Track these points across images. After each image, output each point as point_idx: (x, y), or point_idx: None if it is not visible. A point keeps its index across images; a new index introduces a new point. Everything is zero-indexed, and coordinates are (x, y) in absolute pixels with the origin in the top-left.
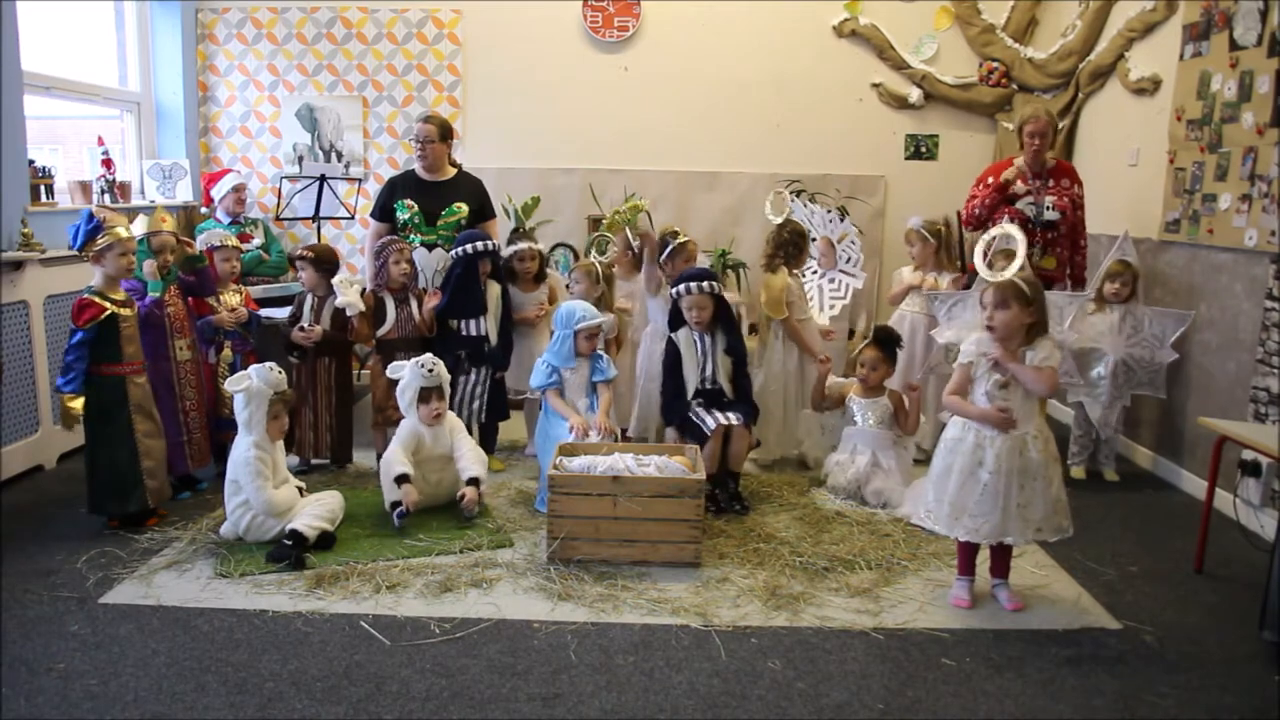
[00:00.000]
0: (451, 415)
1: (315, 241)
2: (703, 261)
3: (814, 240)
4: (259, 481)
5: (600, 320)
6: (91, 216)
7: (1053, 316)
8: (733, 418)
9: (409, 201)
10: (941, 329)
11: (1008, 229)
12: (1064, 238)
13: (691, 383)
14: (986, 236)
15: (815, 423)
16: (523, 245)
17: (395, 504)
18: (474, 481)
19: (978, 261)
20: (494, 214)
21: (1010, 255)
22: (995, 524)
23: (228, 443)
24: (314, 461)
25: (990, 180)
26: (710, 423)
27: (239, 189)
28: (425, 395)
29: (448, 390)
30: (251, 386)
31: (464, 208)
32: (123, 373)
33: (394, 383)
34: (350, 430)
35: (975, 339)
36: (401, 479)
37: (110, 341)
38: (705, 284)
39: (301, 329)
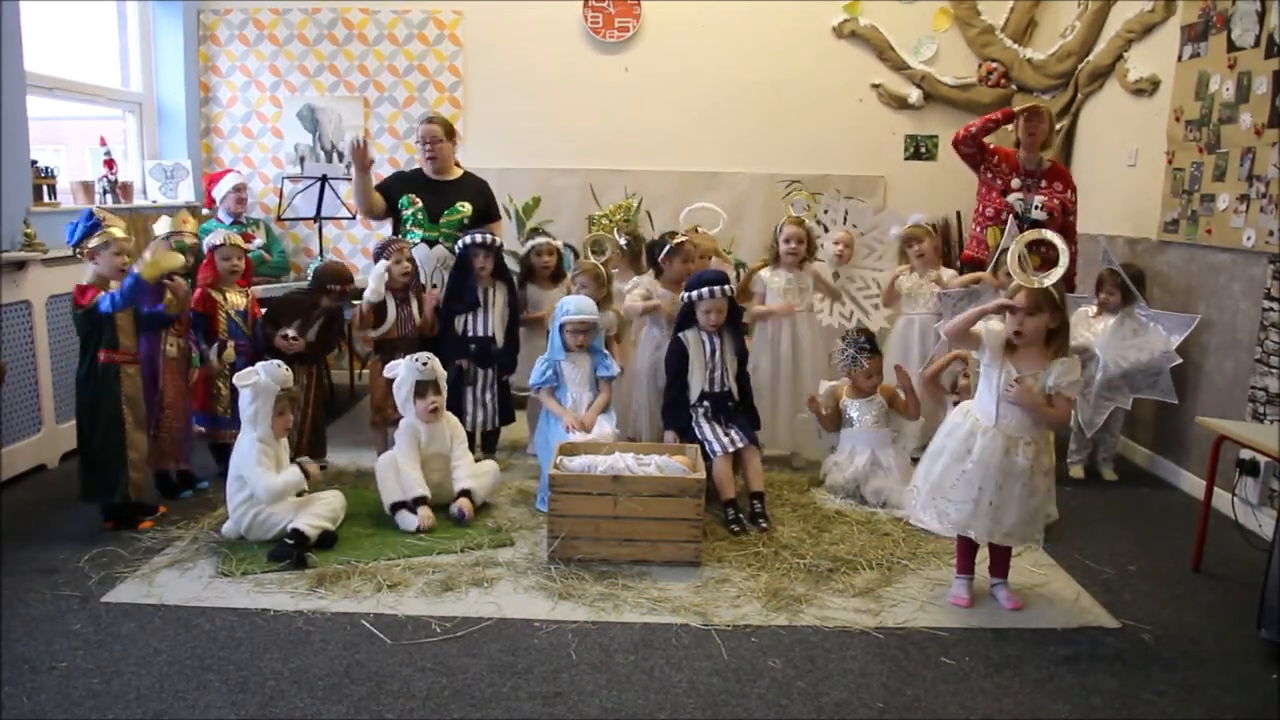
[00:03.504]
0: (452, 419)
1: (316, 243)
2: (714, 261)
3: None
4: (260, 469)
5: (582, 317)
6: (91, 215)
7: None
8: (737, 438)
9: (413, 196)
10: (945, 321)
11: (1048, 236)
12: None
13: (697, 384)
14: (1018, 240)
15: (812, 426)
16: (540, 240)
17: (394, 505)
18: (466, 493)
19: (1012, 265)
20: (499, 215)
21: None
22: (964, 515)
23: (219, 442)
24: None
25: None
26: (716, 446)
27: (239, 189)
28: (421, 390)
29: (444, 386)
30: (259, 382)
31: (467, 207)
32: (117, 361)
33: (392, 382)
34: (323, 430)
35: (989, 331)
36: (420, 501)
37: (109, 329)
38: (721, 287)
39: (285, 336)
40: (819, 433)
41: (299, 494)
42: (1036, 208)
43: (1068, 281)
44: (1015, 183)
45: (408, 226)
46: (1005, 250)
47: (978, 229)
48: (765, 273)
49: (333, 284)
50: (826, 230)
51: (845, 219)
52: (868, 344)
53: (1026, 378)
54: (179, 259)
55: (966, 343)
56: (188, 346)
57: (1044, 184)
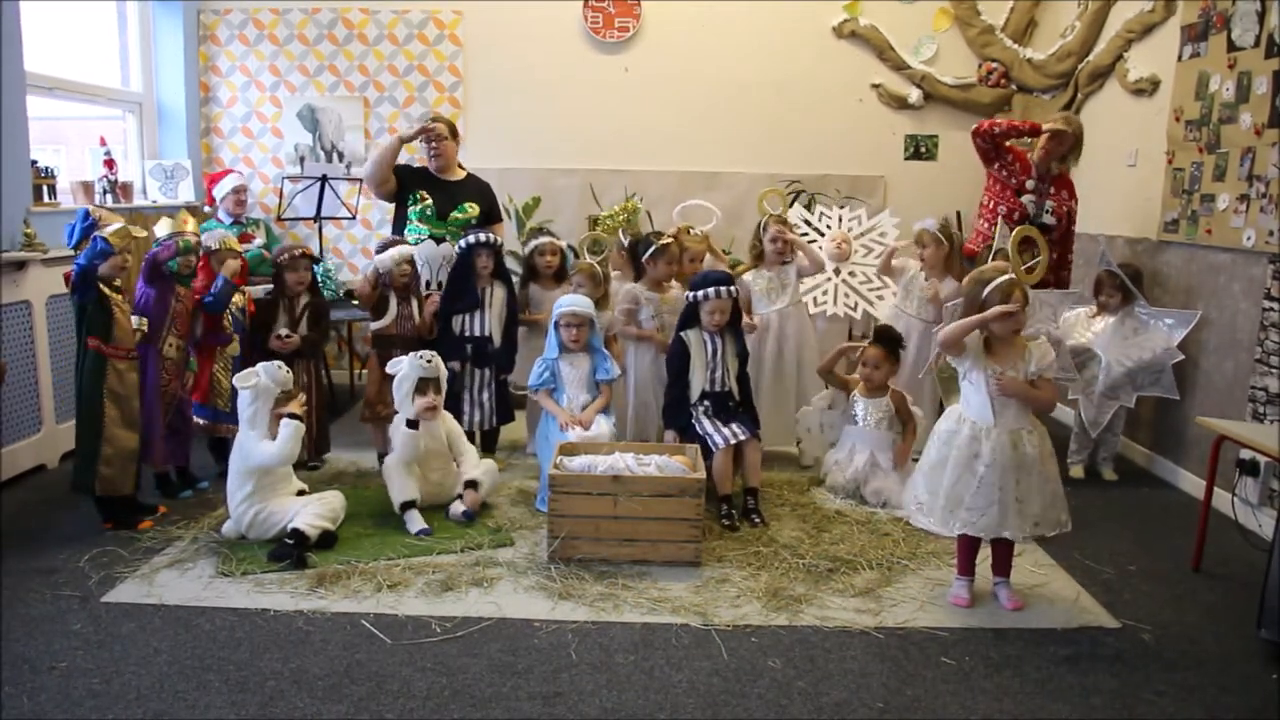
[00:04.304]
0: (448, 416)
1: (316, 243)
2: (709, 261)
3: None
4: (260, 446)
5: (575, 309)
6: (88, 215)
7: (1046, 314)
8: (740, 432)
9: (422, 194)
10: (944, 326)
11: (1032, 233)
12: (1054, 244)
13: (698, 384)
14: (1017, 232)
15: (815, 420)
16: (543, 240)
17: (404, 505)
18: (472, 484)
19: (1013, 258)
20: (501, 218)
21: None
22: (993, 517)
23: (218, 435)
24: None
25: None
26: (718, 439)
27: (239, 190)
28: (422, 387)
29: (445, 384)
30: (259, 383)
31: (475, 208)
32: (105, 353)
33: (390, 379)
34: (327, 429)
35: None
36: (410, 424)
37: (103, 319)
38: (726, 288)
39: (279, 337)
40: (821, 427)
41: (299, 492)
42: (1047, 212)
43: (1059, 283)
44: (1030, 184)
45: (414, 221)
46: (1000, 250)
47: (985, 224)
48: (748, 276)
49: (280, 258)
50: (822, 234)
51: (840, 221)
52: (876, 337)
53: (1008, 371)
54: (142, 233)
55: (955, 350)
56: (187, 350)
57: (1053, 190)
